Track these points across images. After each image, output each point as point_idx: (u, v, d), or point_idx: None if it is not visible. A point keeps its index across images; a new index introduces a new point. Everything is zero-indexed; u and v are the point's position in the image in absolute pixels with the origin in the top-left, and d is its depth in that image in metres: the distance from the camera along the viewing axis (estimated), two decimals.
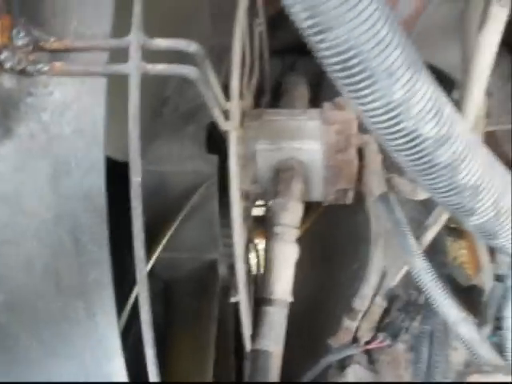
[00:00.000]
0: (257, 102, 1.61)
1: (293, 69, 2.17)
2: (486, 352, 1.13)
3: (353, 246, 1.76)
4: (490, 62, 1.00)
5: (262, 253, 1.73)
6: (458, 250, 3.25)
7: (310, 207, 1.55)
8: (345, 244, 1.85)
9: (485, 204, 0.80)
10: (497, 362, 1.13)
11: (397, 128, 0.70)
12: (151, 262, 1.00)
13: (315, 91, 1.91)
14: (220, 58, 1.30)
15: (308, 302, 1.36)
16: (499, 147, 1.65)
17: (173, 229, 1.09)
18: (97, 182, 0.79)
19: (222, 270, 1.34)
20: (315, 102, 1.84)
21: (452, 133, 0.72)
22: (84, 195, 0.79)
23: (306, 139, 1.31)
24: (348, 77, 0.66)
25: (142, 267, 0.77)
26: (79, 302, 0.82)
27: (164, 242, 1.06)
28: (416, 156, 0.73)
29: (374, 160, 1.33)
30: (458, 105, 1.11)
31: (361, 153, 1.35)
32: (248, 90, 1.40)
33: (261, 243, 1.81)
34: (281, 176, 1.30)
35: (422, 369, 1.38)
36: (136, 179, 0.76)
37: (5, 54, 0.75)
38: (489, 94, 1.45)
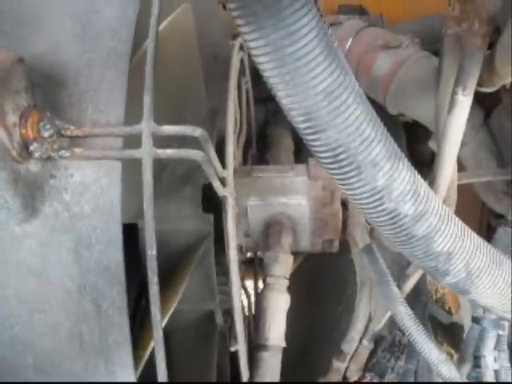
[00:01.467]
0: (245, 154, 1.71)
1: (276, 116, 2.27)
2: None
3: (338, 289, 1.86)
4: (458, 141, 1.11)
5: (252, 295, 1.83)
6: (437, 285, 3.35)
7: (296, 253, 1.63)
8: (331, 286, 1.95)
9: (457, 266, 0.91)
10: None
11: (380, 208, 0.81)
12: (164, 321, 1.08)
13: (298, 141, 2.00)
14: (212, 121, 1.41)
15: (298, 342, 1.44)
16: (478, 197, 1.75)
17: (185, 285, 1.17)
18: (115, 255, 0.88)
19: (219, 318, 1.43)
20: (299, 152, 1.94)
21: (427, 209, 0.83)
22: (104, 267, 0.88)
23: (294, 195, 1.42)
24: (338, 168, 0.77)
25: (159, 330, 0.86)
26: (100, 361, 0.90)
27: (177, 300, 1.14)
28: (396, 230, 0.85)
29: (358, 212, 1.43)
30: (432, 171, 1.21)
31: (345, 204, 1.45)
32: (238, 148, 1.51)
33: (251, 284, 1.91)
34: (271, 230, 1.40)
35: None
36: (152, 253, 0.85)
37: (34, 146, 0.84)
38: (462, 144, 1.57)
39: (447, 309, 2.68)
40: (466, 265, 0.91)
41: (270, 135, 1.99)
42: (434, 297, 3.12)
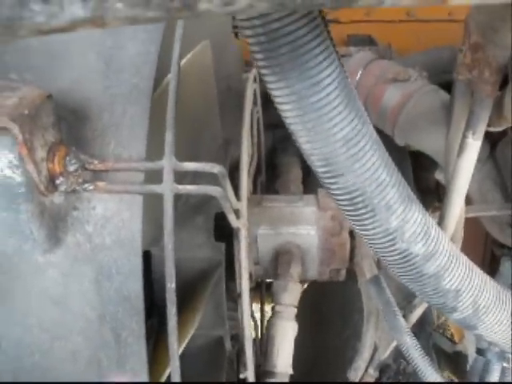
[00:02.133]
0: (253, 182, 1.74)
1: (283, 142, 2.31)
2: None
3: (344, 315, 1.88)
4: (467, 183, 1.15)
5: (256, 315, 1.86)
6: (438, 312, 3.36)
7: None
8: (337, 312, 1.97)
9: (465, 303, 0.94)
10: None
11: (392, 248, 0.85)
12: (181, 348, 1.11)
13: (306, 170, 2.03)
14: (226, 151, 1.44)
15: (303, 367, 1.46)
16: (482, 226, 1.78)
17: (199, 315, 1.19)
18: (135, 286, 0.91)
19: (228, 344, 1.45)
20: (306, 179, 1.97)
21: (437, 249, 0.87)
22: (124, 297, 0.91)
23: (303, 224, 1.45)
24: (354, 210, 0.80)
25: (176, 359, 0.89)
26: None
27: (193, 328, 1.16)
28: (407, 269, 0.88)
29: (365, 244, 1.46)
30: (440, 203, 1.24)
31: (352, 234, 1.48)
32: (248, 177, 1.54)
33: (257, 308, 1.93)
34: (280, 259, 1.43)
35: None
36: (171, 286, 0.88)
37: (60, 180, 0.87)
38: None
39: (449, 335, 2.71)
40: (474, 302, 0.94)
41: (280, 164, 2.02)
42: (436, 323, 3.13)
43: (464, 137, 1.08)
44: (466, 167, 1.12)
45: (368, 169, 0.77)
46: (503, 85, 1.02)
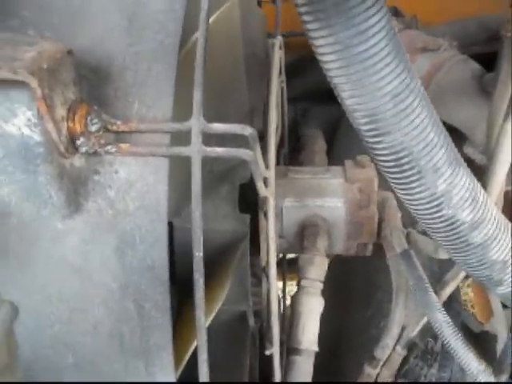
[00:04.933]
0: (277, 154, 1.69)
1: (304, 116, 2.26)
2: None
3: (367, 293, 1.83)
4: None
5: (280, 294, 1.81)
6: (466, 295, 3.33)
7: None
8: (360, 290, 1.92)
9: None
10: None
11: (438, 215, 0.79)
12: (208, 321, 1.06)
13: (328, 140, 1.99)
14: (251, 118, 1.39)
15: (326, 345, 1.42)
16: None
17: (226, 289, 1.15)
18: (160, 255, 0.86)
19: (251, 320, 1.41)
20: (329, 151, 1.92)
21: (485, 217, 0.81)
22: (148, 267, 0.86)
23: (330, 197, 1.39)
24: (399, 172, 0.75)
25: (203, 333, 0.84)
26: (140, 363, 0.89)
27: (220, 301, 1.12)
28: (453, 237, 0.82)
29: (394, 216, 1.41)
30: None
31: (381, 208, 1.43)
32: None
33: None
34: (306, 232, 1.38)
35: None
36: (199, 255, 0.83)
37: (81, 140, 0.82)
38: None
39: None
40: None
41: (303, 136, 1.97)
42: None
43: None
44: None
45: (416, 127, 0.71)
46: None
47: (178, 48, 0.91)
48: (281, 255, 1.83)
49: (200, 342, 0.85)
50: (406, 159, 0.73)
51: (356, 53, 0.66)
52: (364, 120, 0.71)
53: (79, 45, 0.89)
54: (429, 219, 0.81)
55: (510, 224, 0.88)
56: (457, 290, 1.72)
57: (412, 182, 0.76)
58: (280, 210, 1.38)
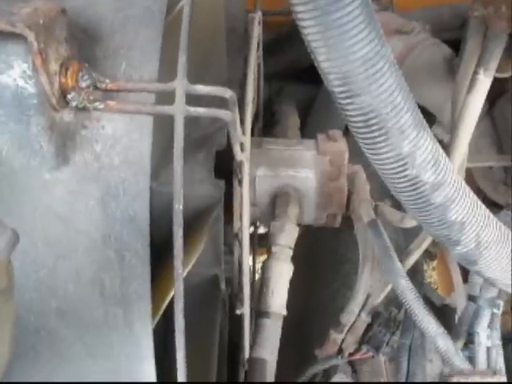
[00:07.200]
0: (252, 128, 1.74)
1: (279, 95, 2.30)
2: (460, 362, 1.26)
3: (336, 265, 1.89)
4: (475, 121, 1.15)
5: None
6: (430, 278, 3.41)
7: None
8: (329, 262, 1.98)
9: (468, 236, 0.95)
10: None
11: (403, 174, 0.85)
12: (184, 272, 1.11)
13: (302, 117, 2.04)
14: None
15: (295, 313, 1.47)
16: (475, 184, 1.79)
17: (201, 247, 1.19)
18: (142, 207, 0.91)
19: (223, 283, 1.46)
20: (302, 128, 1.97)
21: (446, 179, 0.88)
22: (130, 218, 0.91)
23: (302, 168, 1.45)
24: (368, 132, 0.81)
25: (180, 283, 0.89)
26: (119, 311, 0.93)
27: (196, 256, 1.16)
28: (416, 197, 0.89)
29: (363, 189, 1.47)
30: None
31: (350, 181, 1.48)
32: None
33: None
34: (278, 200, 1.43)
35: (401, 378, 1.51)
36: (179, 207, 0.88)
37: (72, 95, 0.86)
38: None
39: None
40: (477, 236, 0.95)
41: (278, 111, 2.02)
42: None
43: (475, 73, 1.08)
44: (474, 104, 1.12)
45: (384, 90, 0.77)
46: None
47: (165, 14, 0.96)
48: (252, 229, 1.88)
49: (177, 290, 0.89)
50: (374, 120, 0.79)
51: (333, 19, 0.71)
52: (337, 82, 0.77)
53: (71, 5, 0.93)
54: (395, 179, 0.87)
55: (468, 188, 0.94)
56: (420, 263, 1.78)
57: (379, 142, 0.81)
58: (253, 179, 1.43)
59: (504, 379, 1.30)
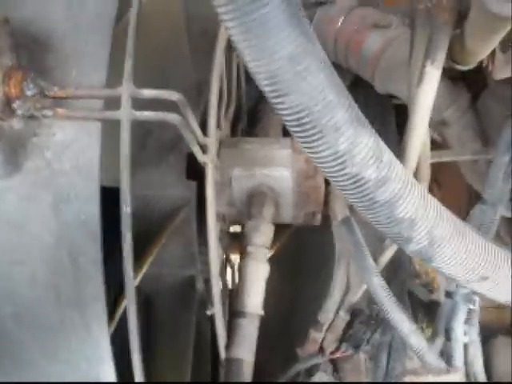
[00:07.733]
0: (234, 128, 1.74)
1: (263, 94, 2.29)
2: (433, 360, 1.25)
3: (318, 265, 1.89)
4: (428, 113, 1.15)
5: (236, 268, 1.86)
6: (426, 268, 3.38)
7: (281, 229, 1.67)
8: (311, 262, 1.98)
9: (420, 233, 0.94)
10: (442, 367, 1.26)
11: (343, 172, 0.84)
12: (138, 278, 1.12)
13: None
14: (199, 91, 1.44)
15: (279, 315, 1.48)
16: (463, 177, 1.78)
17: (159, 247, 1.20)
18: (93, 211, 0.92)
19: (200, 285, 1.47)
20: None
21: (390, 175, 0.86)
22: (82, 222, 0.92)
23: (278, 166, 1.45)
24: (302, 131, 0.80)
25: (131, 286, 0.90)
26: (75, 313, 0.95)
27: (150, 260, 1.17)
28: (359, 195, 0.88)
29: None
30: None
31: (327, 179, 1.48)
32: (226, 120, 1.54)
33: (237, 258, 1.94)
34: (253, 200, 1.43)
35: (381, 376, 1.51)
36: (126, 210, 0.89)
37: (17, 103, 0.88)
38: (448, 124, 1.59)
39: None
40: (429, 232, 0.94)
41: (261, 110, 2.02)
42: (425, 278, 3.13)
43: (423, 66, 1.08)
44: (425, 97, 1.11)
45: (314, 88, 0.76)
46: (464, 17, 1.02)
47: (115, 21, 0.97)
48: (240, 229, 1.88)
49: (128, 293, 0.91)
50: (306, 119, 0.78)
51: (253, 18, 0.71)
52: (265, 82, 0.76)
53: (20, 15, 0.95)
54: (336, 177, 0.86)
55: (418, 184, 0.93)
56: (405, 261, 1.76)
57: (314, 140, 0.81)
58: (229, 180, 1.44)
59: (461, 376, 1.28)
